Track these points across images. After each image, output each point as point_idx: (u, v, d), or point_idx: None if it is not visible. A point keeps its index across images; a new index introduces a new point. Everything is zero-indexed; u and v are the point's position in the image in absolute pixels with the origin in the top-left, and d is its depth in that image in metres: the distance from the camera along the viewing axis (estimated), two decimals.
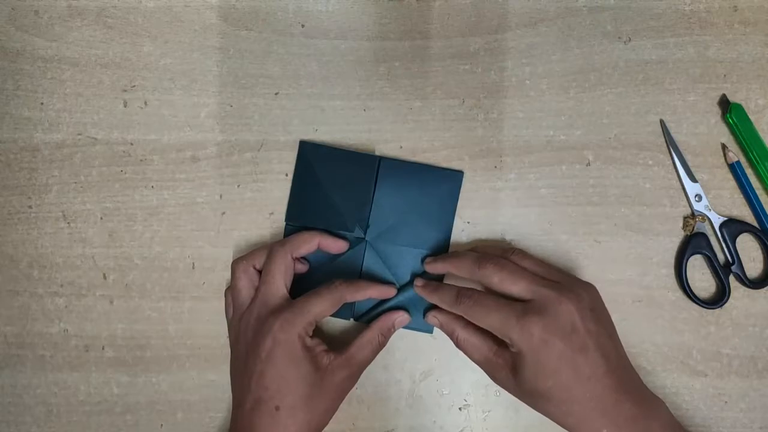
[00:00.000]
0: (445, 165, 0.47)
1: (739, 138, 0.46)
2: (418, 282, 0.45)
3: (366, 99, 0.47)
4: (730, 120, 0.46)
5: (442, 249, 0.46)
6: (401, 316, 0.45)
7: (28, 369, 0.47)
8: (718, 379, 0.47)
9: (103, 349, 0.47)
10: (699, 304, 0.46)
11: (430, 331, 0.46)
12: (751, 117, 0.46)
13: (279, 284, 0.42)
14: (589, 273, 0.47)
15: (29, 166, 0.48)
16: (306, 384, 0.40)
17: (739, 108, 0.46)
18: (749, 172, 0.47)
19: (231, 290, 0.44)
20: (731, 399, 0.47)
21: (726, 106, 0.46)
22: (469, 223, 0.47)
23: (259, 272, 0.44)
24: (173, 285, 0.47)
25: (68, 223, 0.48)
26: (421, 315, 0.45)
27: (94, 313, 0.47)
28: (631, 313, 0.47)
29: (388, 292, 0.45)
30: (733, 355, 0.47)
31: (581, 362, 0.38)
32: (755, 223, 0.46)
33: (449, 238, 0.46)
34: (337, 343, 0.44)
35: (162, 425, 0.47)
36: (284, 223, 0.47)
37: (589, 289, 0.41)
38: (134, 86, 0.48)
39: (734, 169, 0.46)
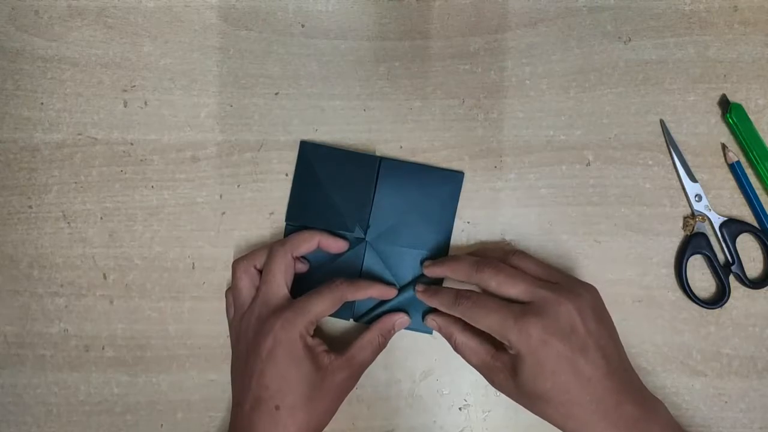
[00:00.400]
0: (445, 165, 0.47)
1: (739, 138, 0.46)
2: (419, 287, 0.45)
3: (366, 99, 0.47)
4: (730, 120, 0.46)
5: (443, 250, 0.46)
6: (401, 318, 0.45)
7: (28, 369, 0.47)
8: (718, 379, 0.47)
9: (103, 349, 0.47)
10: (699, 304, 0.46)
11: (430, 332, 0.46)
12: (751, 117, 0.46)
13: (280, 283, 0.42)
14: (589, 273, 0.47)
15: (29, 166, 0.48)
16: (306, 384, 0.40)
17: (739, 108, 0.46)
18: (749, 172, 0.47)
19: (232, 290, 0.44)
20: (731, 399, 0.47)
21: (726, 106, 0.46)
22: (469, 223, 0.47)
23: (260, 272, 0.44)
24: (173, 285, 0.47)
25: (68, 223, 0.48)
26: (421, 316, 0.45)
27: (94, 313, 0.47)
28: (631, 313, 0.47)
29: (389, 292, 0.45)
30: (733, 355, 0.47)
31: (581, 363, 0.38)
32: (755, 223, 0.46)
33: (449, 239, 0.46)
34: (337, 344, 0.44)
35: (162, 425, 0.47)
36: (284, 223, 0.47)
37: (590, 289, 0.41)
38: (134, 86, 0.48)
39: (734, 169, 0.46)
